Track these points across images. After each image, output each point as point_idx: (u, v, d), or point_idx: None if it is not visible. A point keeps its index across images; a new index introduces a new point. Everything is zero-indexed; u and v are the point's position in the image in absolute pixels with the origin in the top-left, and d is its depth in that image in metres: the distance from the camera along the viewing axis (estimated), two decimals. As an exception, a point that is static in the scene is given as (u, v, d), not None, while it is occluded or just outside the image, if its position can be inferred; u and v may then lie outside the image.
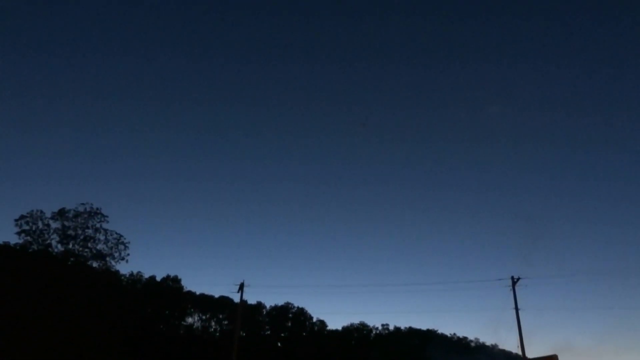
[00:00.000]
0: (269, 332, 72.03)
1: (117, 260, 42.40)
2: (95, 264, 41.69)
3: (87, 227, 41.33)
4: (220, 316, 67.54)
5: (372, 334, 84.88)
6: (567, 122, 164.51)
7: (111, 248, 41.89)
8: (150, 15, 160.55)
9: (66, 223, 40.84)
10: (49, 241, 40.34)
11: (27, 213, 40.22)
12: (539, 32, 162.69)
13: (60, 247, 40.53)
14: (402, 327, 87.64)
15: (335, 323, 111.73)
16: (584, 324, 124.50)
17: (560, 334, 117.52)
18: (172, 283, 64.47)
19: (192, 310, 66.12)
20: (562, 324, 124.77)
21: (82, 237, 41.01)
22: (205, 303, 66.73)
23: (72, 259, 40.70)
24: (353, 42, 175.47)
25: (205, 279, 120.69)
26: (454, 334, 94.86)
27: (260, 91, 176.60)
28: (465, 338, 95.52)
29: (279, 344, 71.31)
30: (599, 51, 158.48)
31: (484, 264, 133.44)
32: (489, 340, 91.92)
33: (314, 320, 75.74)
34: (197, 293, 66.76)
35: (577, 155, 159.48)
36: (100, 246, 41.51)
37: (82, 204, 41.79)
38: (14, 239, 40.05)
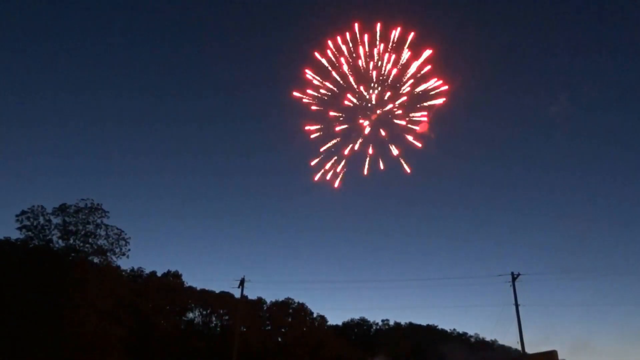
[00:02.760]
0: (269, 327, 72.20)
1: (118, 256, 42.58)
2: (96, 260, 41.81)
3: (88, 223, 41.41)
4: (221, 311, 67.65)
5: (372, 330, 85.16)
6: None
7: (112, 243, 42.02)
8: (148, 11, 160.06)
9: (67, 219, 40.92)
10: (50, 236, 40.46)
11: (28, 208, 40.33)
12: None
13: (61, 243, 40.67)
14: (403, 323, 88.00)
15: (335, 318, 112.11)
16: (600, 322, 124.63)
17: (578, 331, 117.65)
18: (173, 278, 64.59)
19: (192, 305, 66.25)
20: (577, 321, 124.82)
21: (83, 232, 41.09)
22: (206, 298, 66.83)
23: (73, 254, 40.79)
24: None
25: (206, 275, 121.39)
26: (454, 329, 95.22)
27: (261, 88, 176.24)
28: (465, 333, 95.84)
29: (280, 339, 71.50)
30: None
31: (485, 260, 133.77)
32: (488, 336, 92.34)
33: (314, 315, 76.00)
34: (198, 288, 66.92)
35: (580, 152, 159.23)
36: (101, 242, 41.63)
37: (83, 199, 41.93)
38: (15, 234, 40.19)
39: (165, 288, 61.46)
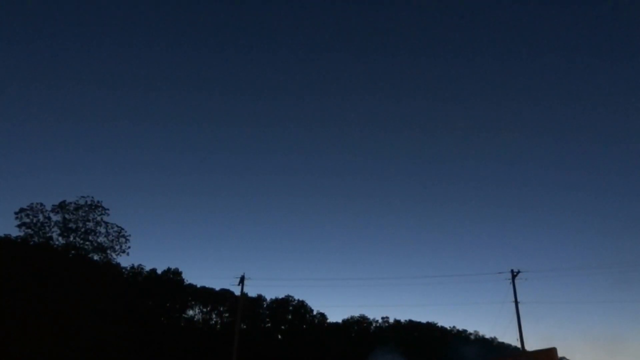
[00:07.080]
0: (269, 325, 72.25)
1: (118, 253, 42.40)
2: (96, 257, 41.70)
3: (88, 220, 41.26)
4: (221, 309, 67.75)
5: (372, 327, 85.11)
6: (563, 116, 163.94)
7: (112, 241, 41.86)
8: (151, 6, 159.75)
9: (67, 216, 40.75)
10: (49, 234, 40.26)
11: (28, 206, 40.12)
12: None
13: (61, 240, 40.49)
14: (402, 320, 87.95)
15: (335, 316, 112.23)
16: (601, 319, 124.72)
17: (578, 329, 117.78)
18: (173, 276, 64.61)
19: (193, 302, 66.32)
20: (577, 318, 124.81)
21: (83, 230, 40.94)
22: (206, 296, 66.92)
23: (73, 251, 40.68)
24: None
25: (206, 272, 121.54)
26: (454, 326, 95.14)
27: (260, 84, 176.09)
28: (465, 331, 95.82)
29: (280, 337, 71.57)
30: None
31: (484, 258, 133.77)
32: (488, 334, 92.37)
33: (314, 313, 76.00)
34: (198, 286, 66.98)
35: (574, 147, 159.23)
36: (101, 239, 41.48)
37: (83, 196, 41.71)
38: (14, 232, 40.04)
39: (165, 286, 61.51)
